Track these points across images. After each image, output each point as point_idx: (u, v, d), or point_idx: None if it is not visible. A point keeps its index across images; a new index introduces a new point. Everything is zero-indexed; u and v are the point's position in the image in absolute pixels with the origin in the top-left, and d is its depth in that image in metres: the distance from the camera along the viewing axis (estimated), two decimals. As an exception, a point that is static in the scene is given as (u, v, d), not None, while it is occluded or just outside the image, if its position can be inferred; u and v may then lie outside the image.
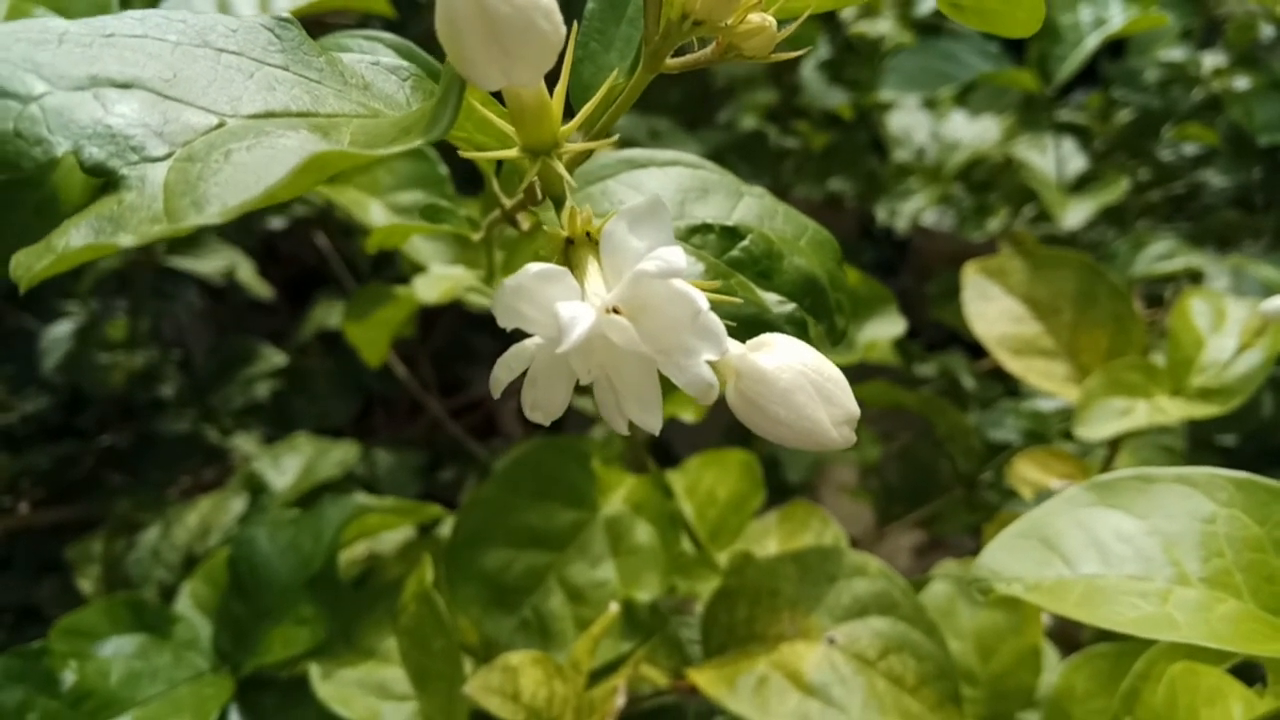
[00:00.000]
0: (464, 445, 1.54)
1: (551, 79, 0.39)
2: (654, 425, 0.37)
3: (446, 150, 0.89)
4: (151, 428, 1.40)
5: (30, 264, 0.28)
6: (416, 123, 0.32)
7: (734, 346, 0.38)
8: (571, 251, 0.39)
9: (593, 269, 0.37)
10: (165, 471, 1.41)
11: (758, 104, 1.69)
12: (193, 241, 1.41)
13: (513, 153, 0.39)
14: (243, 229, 1.49)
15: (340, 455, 1.26)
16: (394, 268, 1.47)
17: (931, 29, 1.61)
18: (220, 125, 0.32)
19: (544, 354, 0.36)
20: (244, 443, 1.43)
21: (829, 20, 1.65)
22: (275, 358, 1.47)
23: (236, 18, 0.36)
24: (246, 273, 1.45)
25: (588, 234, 0.39)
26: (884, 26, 1.58)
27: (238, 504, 1.20)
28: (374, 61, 0.39)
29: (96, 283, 1.37)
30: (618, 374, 0.36)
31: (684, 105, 1.64)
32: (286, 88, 0.34)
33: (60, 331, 1.35)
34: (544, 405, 0.37)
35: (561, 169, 0.39)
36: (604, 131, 0.43)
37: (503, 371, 0.36)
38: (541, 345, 0.36)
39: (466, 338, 1.73)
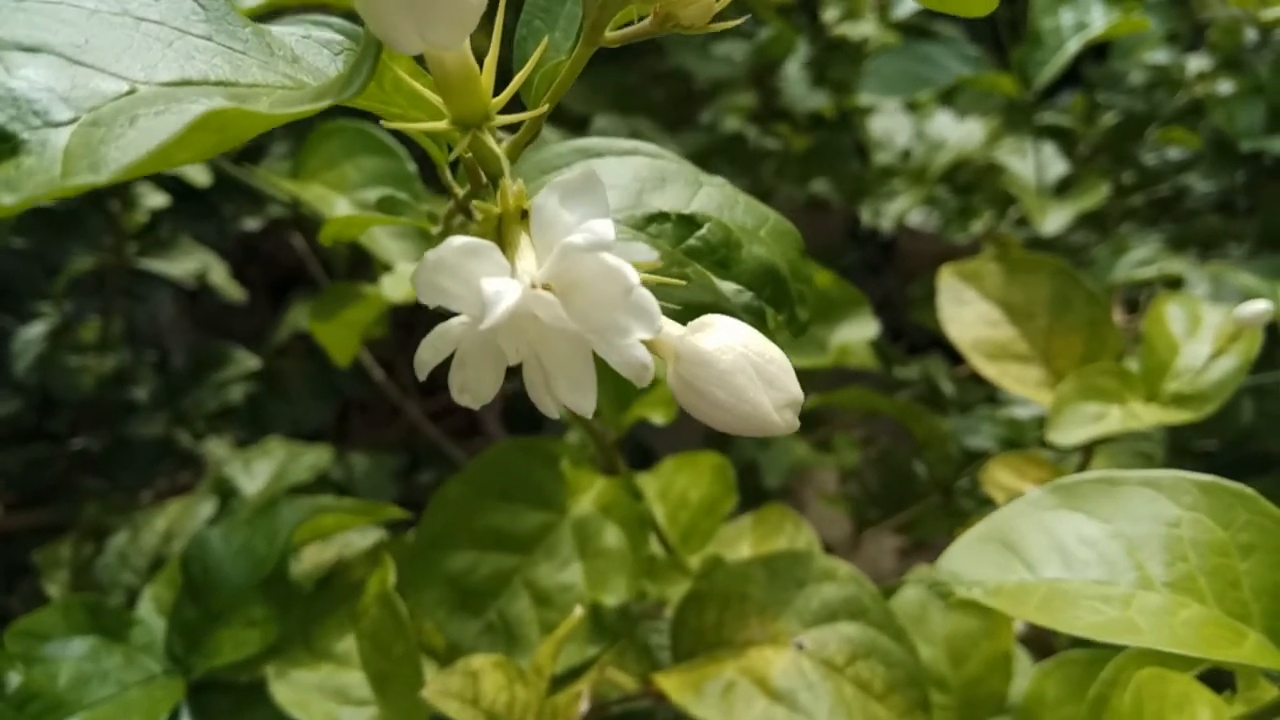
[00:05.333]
0: (443, 448, 1.52)
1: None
2: (586, 407, 0.35)
3: (417, 150, 0.88)
4: (124, 431, 1.39)
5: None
6: (331, 86, 0.31)
7: (674, 329, 0.37)
8: (504, 228, 0.38)
9: (525, 246, 0.36)
10: (138, 475, 1.39)
11: (739, 106, 1.68)
12: (165, 243, 1.40)
13: (442, 125, 0.38)
14: (218, 230, 1.47)
15: (312, 460, 1.24)
16: (371, 270, 1.46)
17: (916, 30, 1.61)
18: (131, 92, 0.30)
19: (470, 333, 0.34)
20: (216, 447, 1.41)
21: (811, 21, 1.65)
22: (249, 361, 1.46)
23: (162, -14, 0.34)
24: (219, 275, 1.44)
25: (522, 211, 0.37)
26: (866, 28, 1.58)
27: (206, 509, 1.18)
28: (305, 35, 0.38)
29: (70, 284, 1.36)
30: (548, 353, 0.35)
31: (665, 106, 1.64)
32: (206, 57, 0.33)
33: (32, 333, 1.34)
34: (473, 388, 0.36)
35: (493, 142, 0.37)
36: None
37: (428, 353, 0.34)
38: (467, 324, 0.34)
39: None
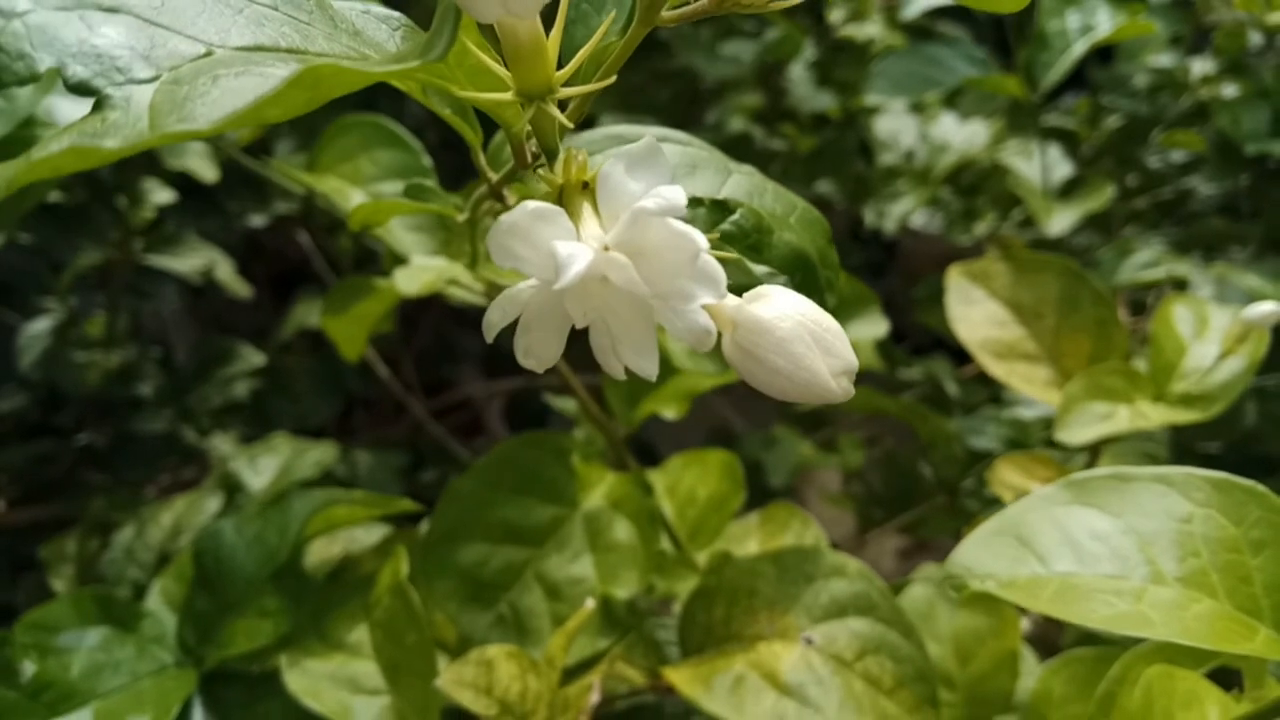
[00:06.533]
0: (446, 446, 1.53)
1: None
2: (650, 371, 0.36)
3: (430, 146, 0.88)
4: (129, 427, 1.39)
5: (7, 175, 0.27)
6: (412, 50, 0.32)
7: (730, 299, 0.38)
8: (565, 199, 0.39)
9: (588, 215, 0.37)
10: (143, 470, 1.39)
11: (745, 106, 1.69)
12: (171, 239, 1.40)
13: (507, 96, 0.39)
14: (224, 226, 1.48)
15: (318, 456, 1.24)
16: (376, 266, 1.47)
17: (921, 31, 1.62)
18: (208, 54, 0.31)
19: (538, 297, 0.35)
20: (221, 443, 1.42)
21: (817, 22, 1.65)
22: (254, 357, 1.46)
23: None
24: (225, 272, 1.44)
25: (584, 182, 0.38)
26: (872, 29, 1.58)
27: (213, 504, 1.18)
28: (364, 10, 0.39)
29: (76, 279, 1.36)
30: (614, 318, 0.36)
31: (672, 106, 1.64)
32: (275, 25, 0.34)
33: (38, 328, 1.34)
34: (538, 352, 0.37)
35: (556, 112, 0.38)
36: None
37: (496, 314, 0.36)
38: (536, 288, 0.35)
39: (451, 337, 1.73)
